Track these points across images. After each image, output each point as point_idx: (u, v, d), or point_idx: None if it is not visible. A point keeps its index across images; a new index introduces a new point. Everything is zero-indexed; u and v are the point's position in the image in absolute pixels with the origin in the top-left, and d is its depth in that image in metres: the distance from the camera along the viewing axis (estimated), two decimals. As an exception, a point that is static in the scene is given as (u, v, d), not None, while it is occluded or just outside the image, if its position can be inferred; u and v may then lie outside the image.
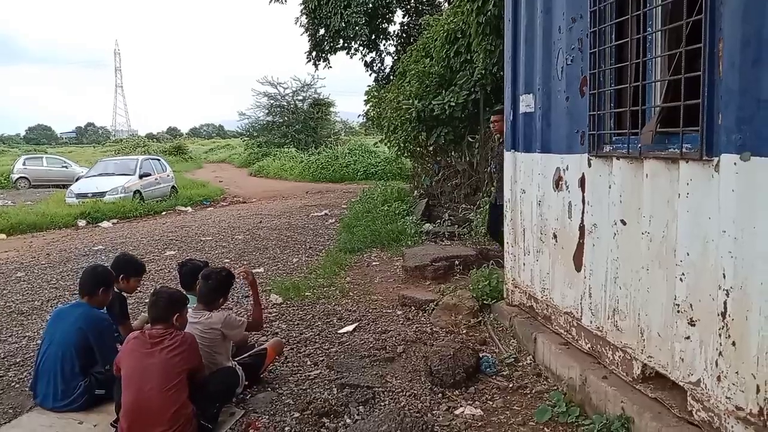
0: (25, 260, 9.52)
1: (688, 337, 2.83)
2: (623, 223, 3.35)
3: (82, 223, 14.27)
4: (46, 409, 3.99)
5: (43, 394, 4.01)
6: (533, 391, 4.00)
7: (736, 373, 2.53)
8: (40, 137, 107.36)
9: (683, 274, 2.83)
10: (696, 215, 2.74)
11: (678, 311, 2.87)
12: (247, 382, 4.17)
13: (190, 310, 3.98)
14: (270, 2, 20.75)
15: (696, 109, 2.71)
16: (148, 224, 14.05)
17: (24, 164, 27.87)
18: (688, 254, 2.80)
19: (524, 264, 4.83)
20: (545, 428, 3.53)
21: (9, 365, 4.87)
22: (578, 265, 3.91)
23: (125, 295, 4.72)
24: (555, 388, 3.94)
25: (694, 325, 2.79)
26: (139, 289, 5.32)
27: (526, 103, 4.66)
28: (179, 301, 3.75)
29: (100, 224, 14.23)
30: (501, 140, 6.70)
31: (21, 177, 27.08)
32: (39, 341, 5.28)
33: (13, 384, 4.50)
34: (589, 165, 3.72)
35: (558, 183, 4.17)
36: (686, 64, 2.78)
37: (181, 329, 3.70)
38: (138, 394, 3.40)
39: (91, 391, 3.98)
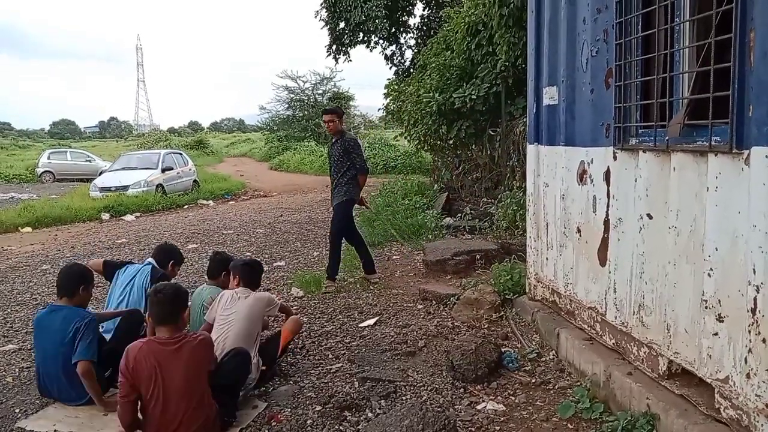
0: (50, 253, 9.67)
1: (716, 334, 2.78)
2: (649, 217, 3.30)
3: (105, 216, 14.45)
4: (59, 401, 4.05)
5: (54, 394, 4.04)
6: (556, 387, 3.97)
7: (767, 370, 2.48)
8: (64, 132, 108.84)
9: (711, 269, 2.78)
10: (725, 209, 2.69)
11: (706, 307, 2.82)
12: (264, 367, 4.20)
13: (234, 291, 4.33)
14: (291, -6, 20.74)
15: (725, 101, 2.65)
16: (170, 218, 14.19)
17: (48, 158, 28.29)
18: (716, 249, 2.75)
19: (547, 258, 4.79)
20: (568, 424, 3.49)
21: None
22: (603, 259, 3.86)
23: None
24: (578, 384, 3.90)
25: (722, 321, 2.74)
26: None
27: (550, 95, 4.60)
28: (184, 296, 3.55)
29: (123, 218, 14.40)
30: (334, 140, 6.83)
31: (46, 171, 27.49)
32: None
33: (39, 375, 4.57)
34: (615, 158, 3.66)
35: (582, 176, 4.12)
36: (715, 54, 2.72)
37: (183, 328, 3.51)
38: (163, 416, 3.27)
39: (101, 382, 3.98)
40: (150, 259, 5.06)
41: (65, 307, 4.06)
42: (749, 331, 2.56)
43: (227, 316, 4.14)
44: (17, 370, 4.68)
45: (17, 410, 3.99)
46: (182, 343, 3.35)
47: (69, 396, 3.99)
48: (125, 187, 16.76)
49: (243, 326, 4.09)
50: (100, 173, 20.85)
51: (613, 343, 3.79)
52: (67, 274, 4.20)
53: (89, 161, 28.63)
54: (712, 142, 2.74)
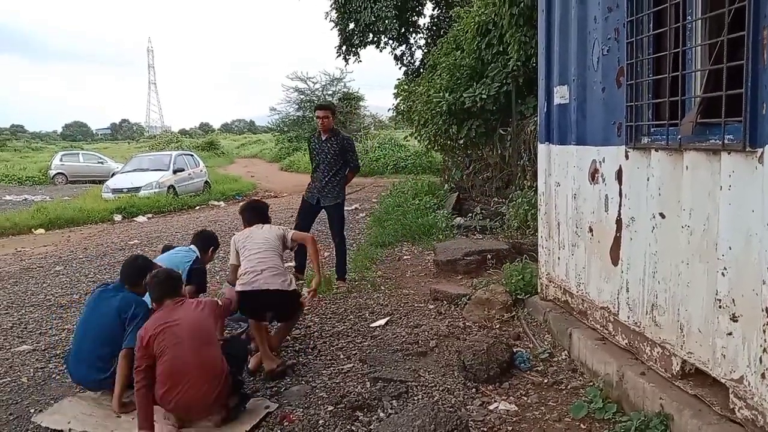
0: (63, 254, 9.75)
1: (730, 333, 2.76)
2: (662, 216, 3.28)
3: (118, 217, 14.56)
4: (81, 385, 4.18)
5: (80, 373, 4.14)
6: (569, 387, 3.95)
7: (782, 370, 2.47)
8: (76, 134, 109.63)
9: (725, 268, 2.76)
10: (738, 208, 2.67)
11: (720, 306, 2.80)
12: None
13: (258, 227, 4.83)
14: (300, -3, 20.86)
15: (738, 99, 2.63)
16: (182, 218, 14.27)
17: (61, 160, 28.56)
18: (730, 248, 2.73)
19: (559, 258, 4.77)
20: (581, 424, 3.48)
21: (50, 357, 4.99)
22: (615, 259, 3.84)
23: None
24: (591, 384, 3.88)
25: (736, 321, 2.72)
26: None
27: (561, 94, 4.59)
28: (177, 276, 3.98)
29: (135, 219, 14.50)
30: (325, 137, 6.68)
31: (58, 173, 27.75)
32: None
33: (53, 375, 4.61)
34: (627, 157, 3.65)
35: (594, 175, 4.10)
36: (728, 52, 2.70)
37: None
38: (173, 360, 3.52)
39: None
40: (192, 246, 5.19)
41: (126, 290, 4.26)
42: (764, 331, 2.54)
43: (249, 248, 4.60)
44: (32, 370, 4.72)
45: (32, 410, 4.02)
46: (183, 302, 3.75)
47: (94, 378, 4.06)
48: (137, 189, 16.88)
49: (269, 249, 4.61)
50: (112, 175, 21.00)
51: (626, 343, 3.77)
52: (133, 265, 4.39)
53: (101, 163, 28.86)
54: (725, 141, 2.72)
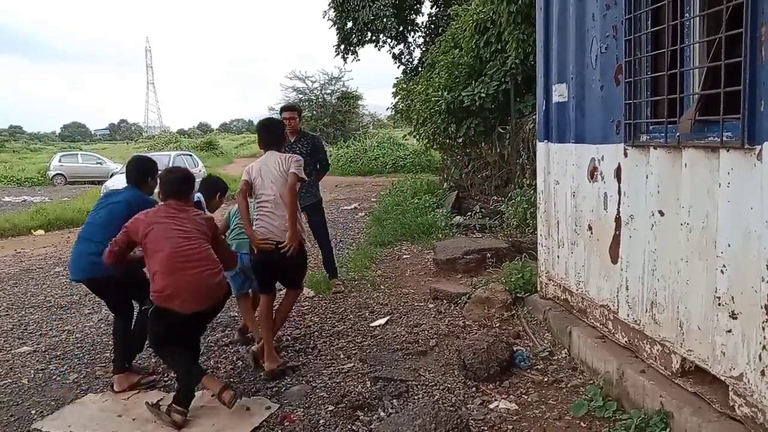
0: (63, 255, 9.74)
1: (729, 331, 2.76)
2: (661, 213, 3.28)
3: (117, 218, 14.52)
4: (79, 276, 4.29)
5: (78, 252, 4.24)
6: (569, 386, 3.95)
7: (781, 367, 2.47)
8: (74, 134, 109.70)
9: (724, 266, 2.76)
10: (737, 205, 2.67)
11: (719, 304, 2.80)
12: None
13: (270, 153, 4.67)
14: (299, -5, 20.83)
15: (737, 96, 2.63)
16: (181, 219, 14.24)
17: (60, 161, 28.56)
18: (729, 245, 2.73)
19: (558, 256, 4.77)
20: (581, 423, 3.48)
21: (50, 358, 4.99)
22: (614, 257, 3.84)
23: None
24: (591, 382, 3.88)
25: (735, 318, 2.72)
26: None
27: (559, 92, 4.59)
28: (192, 180, 4.11)
29: (134, 219, 14.46)
30: (296, 138, 6.50)
31: (57, 174, 27.76)
32: (78, 335, 5.45)
33: (54, 377, 4.61)
34: (626, 155, 3.65)
35: (593, 173, 4.10)
36: (726, 49, 2.70)
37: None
38: (173, 247, 3.72)
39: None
40: (198, 194, 5.04)
41: (135, 188, 4.41)
42: (763, 328, 2.54)
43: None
44: (32, 371, 4.72)
45: (33, 411, 4.03)
46: (187, 209, 3.93)
47: (97, 269, 4.11)
48: (136, 189, 16.84)
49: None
50: (111, 175, 20.96)
51: (626, 341, 3.77)
52: (137, 164, 4.54)
53: (100, 164, 28.86)
54: (724, 138, 2.72)
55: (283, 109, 6.62)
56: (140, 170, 4.49)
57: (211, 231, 4.01)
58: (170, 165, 18.28)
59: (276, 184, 4.50)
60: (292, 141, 6.49)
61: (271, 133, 4.82)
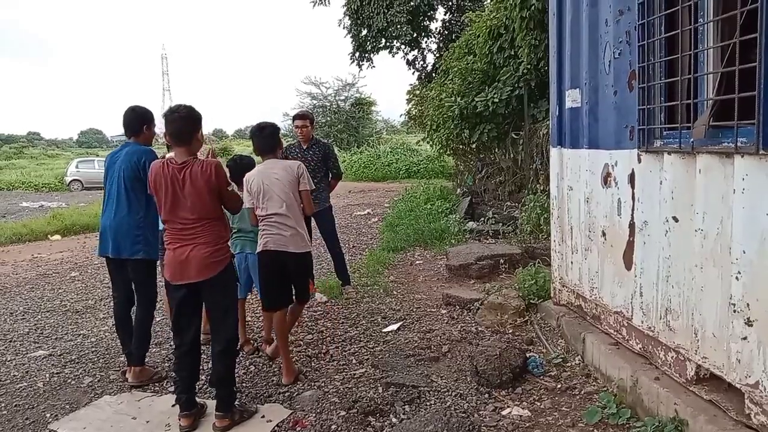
0: (79, 260, 9.84)
1: (745, 338, 2.73)
2: (675, 220, 3.26)
3: (132, 223, 14.64)
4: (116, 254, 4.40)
5: (107, 215, 4.42)
6: (582, 392, 3.93)
7: (798, 375, 2.44)
8: (91, 141, 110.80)
9: (739, 272, 2.73)
10: (752, 211, 2.65)
11: (734, 311, 2.77)
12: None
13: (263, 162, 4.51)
14: (314, 6, 21.00)
15: (751, 102, 2.61)
16: (195, 224, 14.33)
17: (77, 167, 28.87)
18: (744, 252, 2.70)
19: (572, 262, 4.75)
20: (595, 430, 3.46)
21: (65, 362, 5.04)
22: (628, 263, 3.82)
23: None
24: (605, 389, 3.86)
25: (751, 325, 2.69)
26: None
27: (572, 98, 4.57)
28: (198, 116, 3.83)
29: (150, 225, 14.58)
30: (308, 146, 6.56)
31: (74, 179, 28.05)
32: (93, 339, 5.50)
33: (69, 381, 4.65)
34: (639, 160, 3.62)
35: (606, 179, 4.08)
36: (741, 54, 2.68)
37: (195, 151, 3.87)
38: (174, 214, 3.69)
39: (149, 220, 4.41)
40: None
41: (132, 143, 4.55)
42: (779, 336, 2.51)
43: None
44: (48, 375, 4.77)
45: (48, 415, 4.07)
46: (190, 165, 3.70)
47: (118, 212, 4.38)
48: (152, 195, 16.98)
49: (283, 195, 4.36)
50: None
51: (640, 348, 3.74)
52: (130, 114, 4.59)
53: (116, 169, 29.07)
54: (738, 144, 2.70)
55: (295, 117, 6.68)
56: (135, 120, 4.60)
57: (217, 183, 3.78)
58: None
59: (284, 196, 4.35)
60: (304, 148, 6.55)
61: (265, 138, 4.51)
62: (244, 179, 4.50)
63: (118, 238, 4.36)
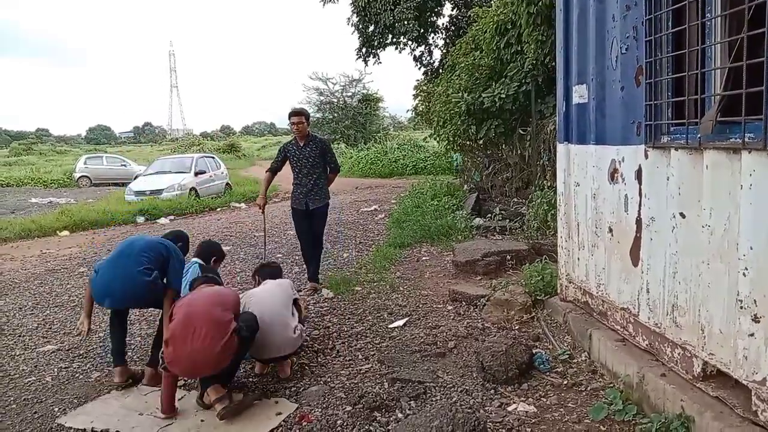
0: (87, 256, 9.89)
1: (752, 334, 2.72)
2: (682, 216, 3.24)
3: (140, 219, 14.72)
4: (115, 300, 4.32)
5: (109, 276, 4.30)
6: (588, 389, 3.92)
7: (805, 372, 2.42)
8: (99, 137, 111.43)
9: (746, 268, 2.72)
10: (760, 207, 2.63)
11: (741, 307, 2.76)
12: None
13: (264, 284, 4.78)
14: (324, 4, 21.02)
15: (759, 97, 2.60)
16: (203, 220, 14.40)
17: (85, 163, 29.00)
18: (751, 248, 2.69)
19: (578, 259, 4.73)
20: (601, 426, 3.45)
21: (73, 357, 5.07)
22: (635, 259, 3.81)
23: None
24: (611, 385, 3.85)
25: (758, 322, 2.68)
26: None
27: (579, 93, 4.56)
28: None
29: (158, 221, 14.65)
30: (303, 143, 6.65)
31: (82, 176, 28.18)
32: (101, 334, 5.51)
33: (77, 375, 4.69)
34: (646, 156, 3.61)
35: (613, 175, 4.07)
36: (748, 50, 2.67)
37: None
38: (185, 316, 3.80)
39: (157, 288, 4.31)
40: (195, 259, 5.16)
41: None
42: (786, 332, 2.50)
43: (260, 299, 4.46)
44: (56, 369, 4.80)
45: (56, 409, 4.10)
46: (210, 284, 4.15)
47: (122, 299, 4.31)
48: (159, 191, 17.06)
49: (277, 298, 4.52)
50: (135, 177, 21.23)
51: (647, 344, 3.73)
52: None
53: (124, 166, 29.25)
54: (746, 139, 2.68)
55: (290, 114, 6.72)
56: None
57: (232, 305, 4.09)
58: (193, 167, 18.65)
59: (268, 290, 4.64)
60: (301, 145, 6.65)
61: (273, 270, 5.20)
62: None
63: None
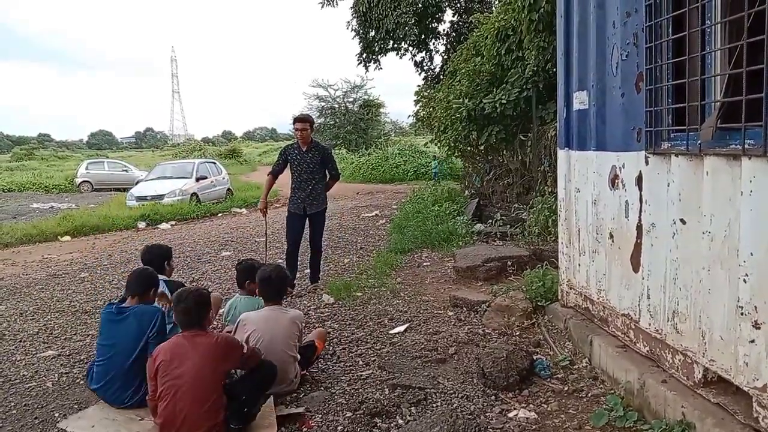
0: (88, 261, 9.90)
1: (752, 341, 2.72)
2: (683, 222, 3.25)
3: (142, 225, 14.75)
4: (114, 407, 4.12)
5: (113, 396, 4.11)
6: (589, 395, 3.92)
7: (806, 378, 2.42)
8: (101, 142, 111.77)
9: (747, 274, 2.72)
10: (760, 213, 2.63)
11: (742, 313, 2.76)
12: (303, 372, 4.37)
13: (266, 308, 4.43)
14: (322, 6, 21.03)
15: (759, 104, 2.60)
16: (204, 226, 14.41)
17: (87, 168, 29.08)
18: (751, 254, 2.69)
19: (579, 265, 4.74)
20: (602, 433, 3.45)
21: (74, 362, 5.07)
22: (636, 265, 3.81)
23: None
24: (612, 391, 3.85)
25: (759, 328, 2.68)
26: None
27: (580, 100, 4.57)
28: (206, 298, 3.83)
29: (159, 226, 14.68)
30: (306, 148, 6.75)
31: (84, 181, 28.24)
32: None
33: (78, 381, 4.68)
34: (647, 162, 3.62)
35: (614, 181, 4.08)
36: (748, 56, 2.67)
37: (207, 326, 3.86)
38: (174, 409, 3.48)
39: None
40: (162, 277, 4.83)
41: (138, 306, 4.26)
42: (787, 339, 2.50)
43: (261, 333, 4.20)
44: (57, 375, 4.80)
45: (57, 414, 4.09)
46: (201, 337, 3.63)
47: (122, 397, 4.09)
48: (161, 196, 17.10)
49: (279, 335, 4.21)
50: (137, 183, 21.30)
51: (648, 351, 3.73)
52: (139, 276, 4.45)
53: (126, 171, 29.32)
54: (746, 146, 2.69)
55: (295, 120, 6.82)
56: (144, 282, 4.43)
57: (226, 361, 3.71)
58: (195, 172, 18.68)
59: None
60: (303, 150, 6.76)
61: (272, 286, 4.47)
62: (240, 319, 4.38)
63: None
